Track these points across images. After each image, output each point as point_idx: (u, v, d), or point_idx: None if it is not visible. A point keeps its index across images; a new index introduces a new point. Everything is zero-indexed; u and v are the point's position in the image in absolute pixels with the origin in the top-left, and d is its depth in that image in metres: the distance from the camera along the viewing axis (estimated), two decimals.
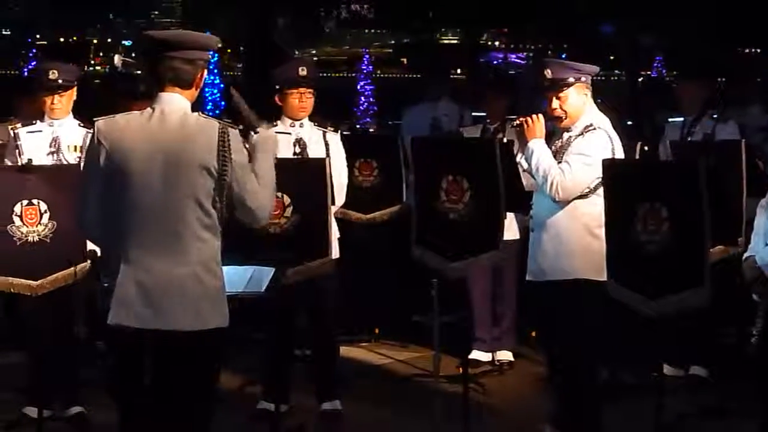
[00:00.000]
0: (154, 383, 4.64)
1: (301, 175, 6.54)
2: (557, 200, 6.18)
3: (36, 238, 6.27)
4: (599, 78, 6.51)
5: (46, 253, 6.26)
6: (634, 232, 5.56)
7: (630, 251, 5.62)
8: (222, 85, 33.41)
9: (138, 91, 8.68)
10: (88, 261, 6.26)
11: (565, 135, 6.32)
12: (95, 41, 51.05)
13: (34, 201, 6.26)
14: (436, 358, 7.54)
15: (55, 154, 6.94)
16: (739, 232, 6.56)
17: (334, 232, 6.94)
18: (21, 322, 7.27)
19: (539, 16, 28.43)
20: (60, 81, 6.95)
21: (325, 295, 7.02)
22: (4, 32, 46.62)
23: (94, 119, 4.77)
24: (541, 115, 6.34)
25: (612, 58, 32.75)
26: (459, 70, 28.43)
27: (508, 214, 6.48)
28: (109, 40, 50.58)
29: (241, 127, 4.86)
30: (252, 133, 4.93)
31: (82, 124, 6.93)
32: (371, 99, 35.08)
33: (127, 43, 47.32)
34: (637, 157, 7.89)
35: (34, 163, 6.58)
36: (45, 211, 6.27)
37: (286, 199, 6.50)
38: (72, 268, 6.24)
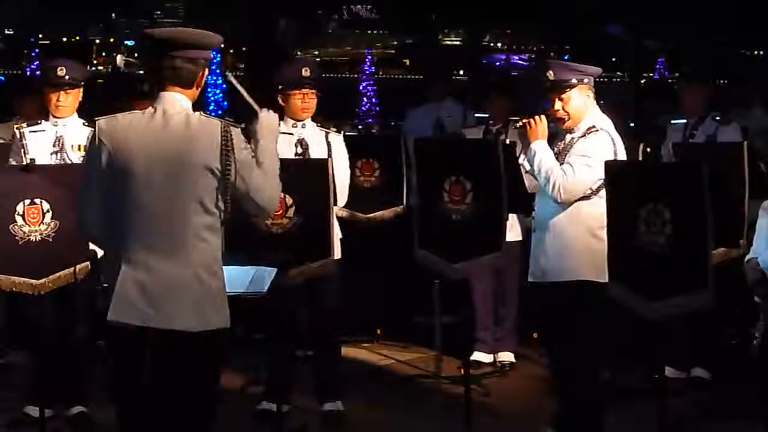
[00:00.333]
0: (155, 383, 4.63)
1: (304, 176, 6.54)
2: (559, 201, 6.18)
3: (38, 238, 6.26)
4: (602, 79, 6.51)
5: (49, 252, 6.26)
6: (636, 234, 5.56)
7: (632, 253, 5.62)
8: (224, 86, 33.44)
9: (140, 90, 8.69)
10: (88, 261, 6.27)
11: (568, 136, 6.32)
12: (97, 41, 51.06)
13: (37, 200, 6.26)
14: (438, 358, 7.59)
15: (58, 154, 6.95)
16: (741, 234, 6.56)
17: (336, 233, 6.94)
18: (23, 322, 7.28)
19: (541, 17, 28.45)
20: (67, 78, 6.94)
21: (326, 295, 7.01)
22: (6, 32, 46.64)
23: (95, 118, 4.76)
24: (543, 117, 6.34)
25: (614, 59, 32.78)
26: (461, 71, 28.47)
27: (511, 215, 6.48)
28: (111, 40, 50.59)
29: (243, 125, 4.85)
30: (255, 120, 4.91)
31: (86, 124, 6.93)
32: (373, 100, 35.11)
33: (129, 43, 47.33)
34: (640, 158, 7.90)
35: (38, 162, 6.58)
36: (47, 211, 6.27)
37: (289, 200, 6.50)
38: (75, 267, 6.25)
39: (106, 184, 4.63)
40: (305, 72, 7.10)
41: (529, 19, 29.89)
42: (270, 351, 7.17)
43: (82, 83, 7.04)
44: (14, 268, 6.26)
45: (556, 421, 6.46)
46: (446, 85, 10.41)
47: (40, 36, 44.44)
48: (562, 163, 6.19)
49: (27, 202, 6.25)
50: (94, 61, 47.18)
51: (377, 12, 43.92)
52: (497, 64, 43.61)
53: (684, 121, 8.43)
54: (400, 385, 8.07)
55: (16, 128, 7.10)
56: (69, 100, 6.98)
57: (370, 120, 28.77)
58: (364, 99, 35.34)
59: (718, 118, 8.30)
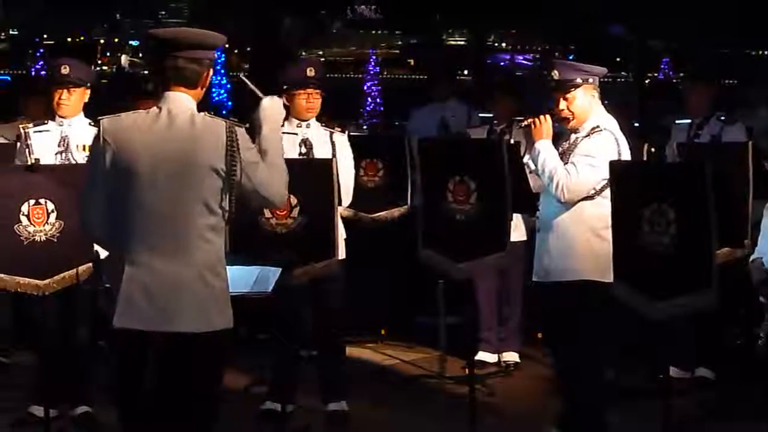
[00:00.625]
0: (158, 384, 4.64)
1: (308, 176, 6.54)
2: (563, 201, 6.18)
3: (43, 238, 6.27)
4: (606, 79, 6.51)
5: (53, 252, 6.26)
6: (640, 234, 5.56)
7: (637, 253, 5.62)
8: (229, 86, 33.43)
9: (145, 89, 8.69)
10: (91, 262, 6.27)
11: (572, 136, 6.32)
12: (102, 41, 51.08)
13: (41, 200, 6.26)
14: (442, 359, 7.59)
15: (63, 154, 6.94)
16: (745, 234, 6.57)
17: (341, 233, 6.94)
18: (27, 322, 7.28)
19: (546, 17, 28.43)
20: (71, 76, 6.94)
21: (331, 295, 7.02)
22: (11, 32, 46.67)
23: (99, 118, 4.76)
24: (548, 116, 6.34)
25: (619, 59, 32.74)
26: (466, 71, 28.46)
27: (515, 215, 6.49)
28: (116, 40, 50.59)
29: (248, 125, 4.85)
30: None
31: (92, 124, 6.92)
32: (378, 100, 35.10)
33: (134, 43, 47.33)
34: (644, 158, 7.89)
35: (43, 162, 6.59)
36: (52, 211, 6.27)
37: (293, 200, 6.50)
38: (77, 268, 6.25)
39: (110, 185, 4.62)
40: (310, 72, 7.11)
41: (533, 19, 29.86)
42: (274, 351, 7.17)
43: (88, 83, 7.03)
44: (19, 269, 6.26)
45: (561, 421, 6.46)
46: (450, 85, 10.42)
47: (45, 36, 44.44)
48: (566, 163, 6.19)
49: (32, 202, 6.25)
50: (99, 61, 47.20)
51: (381, 12, 43.88)
52: (502, 64, 43.60)
53: (688, 121, 8.43)
54: (405, 385, 8.07)
55: (21, 128, 7.10)
56: (72, 99, 6.97)
57: (374, 120, 28.77)
58: (369, 99, 35.32)
59: (722, 118, 8.30)
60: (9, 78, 28.94)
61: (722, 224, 5.28)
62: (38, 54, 36.84)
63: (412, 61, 47.34)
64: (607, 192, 6.03)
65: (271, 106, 4.92)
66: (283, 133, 6.97)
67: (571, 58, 23.42)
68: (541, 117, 6.34)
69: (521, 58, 45.47)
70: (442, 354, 8.10)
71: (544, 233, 6.36)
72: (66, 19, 45.86)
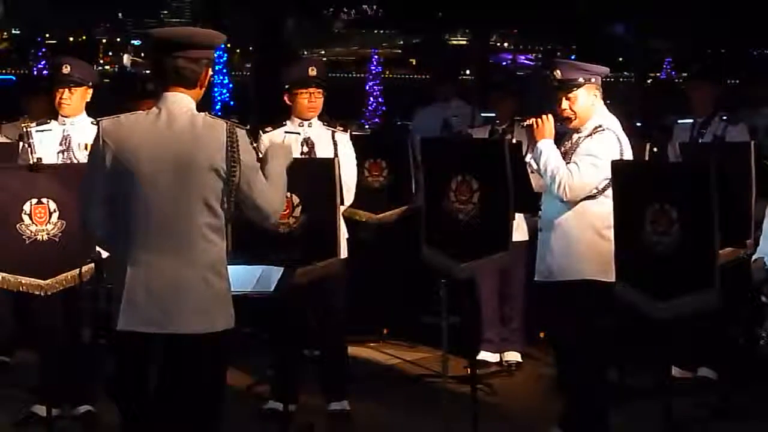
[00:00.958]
0: (162, 385, 4.64)
1: (310, 175, 6.54)
2: (565, 200, 6.18)
3: (45, 237, 6.26)
4: (608, 79, 6.51)
5: (56, 252, 6.26)
6: (643, 234, 5.55)
7: (639, 252, 5.61)
8: (231, 85, 33.44)
9: (145, 89, 8.69)
10: (93, 263, 6.27)
11: (575, 136, 6.32)
12: (104, 40, 51.14)
13: (44, 200, 6.26)
14: (445, 358, 7.54)
15: (65, 153, 6.95)
16: (747, 234, 6.56)
17: (343, 232, 6.95)
18: (30, 322, 7.28)
19: (547, 17, 28.43)
20: (72, 76, 6.94)
21: (333, 295, 7.02)
22: (14, 32, 46.72)
23: (99, 119, 4.77)
24: (551, 116, 6.34)
25: (621, 59, 32.75)
26: (468, 71, 28.46)
27: (517, 215, 6.48)
28: (118, 39, 50.67)
29: (248, 126, 4.86)
30: (261, 132, 4.93)
31: (95, 123, 6.92)
32: (380, 99, 35.13)
33: (136, 42, 47.40)
34: (646, 158, 7.89)
35: (45, 161, 6.59)
36: (54, 210, 6.27)
37: (295, 199, 6.51)
38: (79, 268, 6.25)
39: (110, 185, 4.63)
40: (312, 71, 7.11)
41: (535, 19, 29.87)
42: (276, 351, 7.18)
43: (90, 83, 7.04)
44: (21, 268, 6.26)
45: (563, 421, 6.46)
46: (453, 84, 10.41)
47: (47, 36, 44.53)
48: (568, 163, 6.19)
49: (34, 201, 6.25)
50: (101, 61, 47.25)
51: (384, 12, 43.93)
52: (504, 63, 43.66)
53: (691, 120, 8.43)
54: (407, 384, 8.07)
55: (23, 127, 7.12)
56: (74, 98, 6.98)
57: (377, 120, 28.79)
58: (371, 98, 35.36)
59: (725, 117, 8.29)
60: (14, 78, 28.94)
61: (725, 224, 5.28)
62: (40, 53, 36.85)
63: (414, 61, 47.42)
64: (610, 191, 6.03)
65: (280, 146, 5.00)
66: (285, 132, 7.03)
67: (573, 57, 23.42)
68: (544, 117, 6.34)
69: (523, 57, 45.54)
70: (445, 353, 8.08)
71: (546, 233, 6.36)
72: (68, 19, 45.93)
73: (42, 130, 7.00)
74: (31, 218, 6.25)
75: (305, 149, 7.10)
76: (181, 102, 4.67)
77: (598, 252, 6.14)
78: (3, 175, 6.36)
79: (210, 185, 4.59)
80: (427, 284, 8.56)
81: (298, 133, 7.10)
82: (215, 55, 4.96)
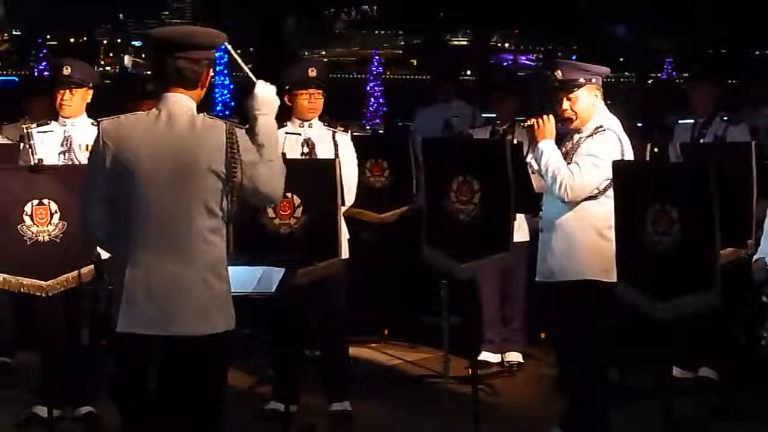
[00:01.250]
0: (163, 387, 4.64)
1: (312, 176, 6.55)
2: (566, 201, 6.19)
3: (46, 238, 6.26)
4: (609, 79, 6.51)
5: (57, 253, 6.26)
6: (644, 234, 5.55)
7: (640, 253, 5.62)
8: (232, 86, 33.43)
9: (146, 90, 8.69)
10: (93, 264, 6.27)
11: (576, 136, 6.32)
12: (105, 41, 51.12)
13: (45, 201, 6.26)
14: (446, 358, 7.55)
15: (66, 154, 6.95)
16: (748, 234, 6.56)
17: (344, 233, 6.95)
18: (31, 323, 7.28)
19: (548, 17, 28.44)
20: (73, 77, 6.95)
21: (334, 295, 7.02)
22: (14, 33, 46.72)
23: (99, 120, 4.77)
24: (551, 116, 6.34)
25: (622, 59, 32.75)
26: (469, 72, 28.47)
27: (519, 215, 6.48)
28: (118, 40, 50.65)
29: (247, 126, 4.85)
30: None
31: (95, 124, 6.92)
32: (381, 100, 35.11)
33: (137, 43, 47.40)
34: (647, 158, 7.89)
35: (46, 162, 6.59)
36: (55, 211, 6.27)
37: (296, 200, 6.51)
38: (79, 269, 6.25)
39: (110, 186, 4.62)
40: (312, 72, 7.11)
41: (536, 19, 29.87)
42: (278, 351, 7.18)
43: (90, 84, 7.04)
44: (22, 269, 6.26)
45: (564, 421, 6.46)
46: (454, 85, 10.42)
47: (48, 37, 44.52)
48: (569, 163, 6.19)
49: (35, 202, 6.25)
50: (102, 62, 47.24)
51: (385, 12, 43.90)
52: (505, 64, 43.64)
53: (691, 121, 8.42)
54: (408, 385, 8.07)
55: (24, 128, 7.12)
56: (75, 99, 6.98)
57: (378, 120, 28.78)
58: (372, 99, 35.35)
59: (726, 118, 8.29)
60: (17, 79, 28.96)
61: (725, 224, 5.28)
62: (41, 54, 36.85)
63: (415, 62, 47.38)
64: (611, 192, 6.03)
65: (264, 93, 4.91)
66: (286, 133, 7.02)
67: (574, 58, 23.42)
68: (544, 117, 6.34)
69: (524, 58, 45.52)
70: (446, 354, 8.08)
71: (547, 233, 6.36)
72: (69, 20, 45.91)
73: (43, 131, 7.00)
74: (32, 219, 6.25)
75: (306, 150, 7.10)
76: (182, 103, 4.67)
77: (599, 252, 6.14)
78: (4, 176, 6.36)
79: (209, 187, 4.59)
80: (428, 285, 8.58)
81: (299, 134, 7.10)
82: (216, 56, 4.95)
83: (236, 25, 28.40)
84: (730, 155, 7.14)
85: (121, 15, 50.55)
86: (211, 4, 30.69)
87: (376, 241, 8.83)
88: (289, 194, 6.03)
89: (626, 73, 33.25)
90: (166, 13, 50.15)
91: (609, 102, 6.42)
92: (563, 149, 6.32)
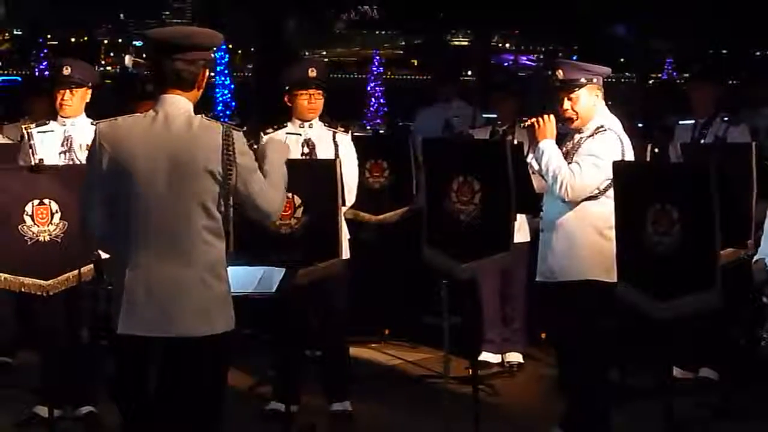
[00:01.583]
0: (163, 388, 4.64)
1: (312, 176, 6.55)
2: (566, 201, 6.19)
3: (47, 238, 6.27)
4: (610, 80, 6.52)
5: (57, 252, 6.26)
6: (644, 234, 5.56)
7: (640, 253, 5.62)
8: (232, 86, 33.45)
9: (145, 90, 8.69)
10: (93, 263, 6.28)
11: (576, 136, 6.33)
12: (105, 41, 51.15)
13: (46, 201, 6.26)
14: (446, 359, 7.55)
15: (67, 153, 6.96)
16: (748, 235, 6.56)
17: (345, 233, 6.95)
18: (31, 323, 7.29)
19: (549, 17, 28.44)
20: (73, 77, 6.95)
21: (334, 295, 7.02)
22: (15, 32, 46.73)
23: (96, 121, 4.77)
24: (552, 116, 6.34)
25: (622, 60, 32.75)
26: (470, 72, 28.48)
27: (520, 215, 6.48)
28: (119, 40, 50.69)
29: (245, 128, 4.86)
30: (262, 133, 4.93)
31: (94, 123, 6.92)
32: (381, 100, 35.15)
33: (137, 43, 47.42)
34: (648, 159, 7.90)
35: (46, 162, 6.59)
36: (56, 211, 6.27)
37: (297, 200, 6.51)
38: (79, 269, 6.25)
39: (108, 188, 4.63)
40: (311, 72, 7.11)
41: (537, 19, 29.87)
42: (278, 351, 7.18)
43: (90, 84, 7.05)
44: (23, 269, 6.27)
45: (564, 421, 6.46)
46: (455, 85, 10.42)
47: (49, 36, 44.54)
48: (570, 163, 6.19)
49: (36, 202, 6.25)
50: (102, 62, 47.26)
51: (385, 12, 43.90)
52: (505, 64, 43.67)
53: (692, 121, 8.43)
54: (408, 385, 8.07)
55: (24, 128, 7.12)
56: (75, 99, 6.99)
57: (378, 120, 28.80)
58: (372, 99, 35.38)
59: (726, 118, 8.30)
60: (20, 78, 28.98)
61: (725, 225, 5.28)
62: (42, 54, 36.87)
63: (415, 62, 47.41)
64: (611, 192, 6.03)
65: (277, 141, 5.00)
66: (286, 133, 7.03)
67: (574, 58, 23.42)
68: (545, 117, 6.34)
69: (525, 58, 45.53)
70: (446, 354, 8.08)
71: (548, 233, 6.37)
72: (69, 19, 45.93)
73: (43, 131, 7.01)
74: (33, 219, 6.25)
75: (306, 150, 7.10)
76: (179, 104, 4.67)
77: (599, 252, 6.14)
78: (5, 176, 6.37)
79: (206, 187, 4.58)
80: (429, 285, 8.57)
81: (299, 134, 7.10)
82: (216, 57, 4.96)
83: (236, 26, 28.43)
84: (730, 156, 7.15)
85: (121, 15, 50.58)
86: (210, 5, 30.66)
87: (377, 241, 8.83)
88: (289, 194, 6.02)
89: (627, 74, 33.28)
90: (167, 12, 50.17)
91: (609, 102, 6.42)
92: (564, 149, 6.32)
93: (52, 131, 7.01)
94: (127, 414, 4.78)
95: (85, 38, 49.44)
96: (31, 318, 7.19)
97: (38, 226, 6.26)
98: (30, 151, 6.93)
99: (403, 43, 49.80)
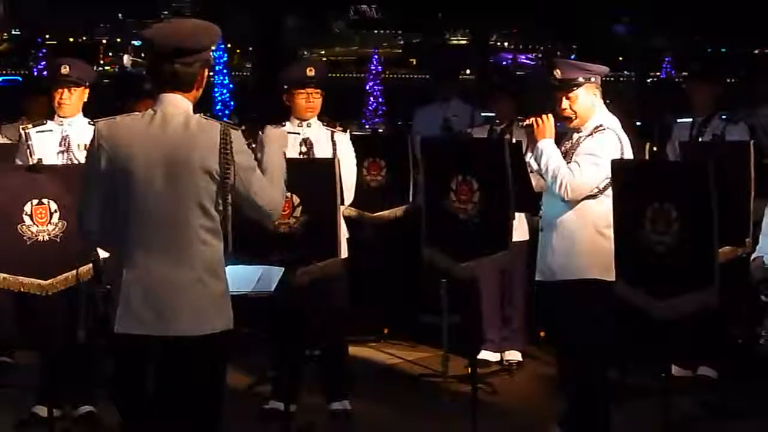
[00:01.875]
0: (162, 387, 4.64)
1: (311, 175, 6.55)
2: (566, 200, 6.19)
3: (46, 238, 6.27)
4: (608, 78, 6.52)
5: (56, 252, 6.26)
6: (643, 233, 5.56)
7: (639, 251, 5.63)
8: (231, 85, 33.45)
9: (144, 90, 8.69)
10: (91, 263, 6.27)
11: (575, 135, 6.33)
12: (104, 41, 51.12)
13: (44, 200, 6.26)
14: (445, 358, 7.59)
15: (65, 153, 6.96)
16: (746, 233, 6.57)
17: (343, 232, 6.95)
18: (30, 322, 7.29)
19: (547, 16, 28.46)
20: (71, 76, 6.95)
21: (334, 294, 7.03)
22: (14, 32, 46.70)
23: (95, 120, 4.77)
24: (551, 115, 6.34)
25: (621, 58, 32.75)
26: (468, 71, 28.48)
27: (518, 214, 6.49)
28: (118, 40, 50.65)
29: (243, 127, 4.85)
30: (261, 132, 4.92)
31: (92, 123, 6.93)
32: (380, 99, 35.15)
33: (136, 43, 47.40)
34: (646, 157, 7.90)
35: (45, 162, 6.59)
36: (55, 211, 6.27)
37: (295, 199, 6.51)
38: (77, 269, 6.25)
39: (106, 187, 4.62)
40: (310, 72, 7.12)
41: (535, 18, 29.89)
42: (277, 350, 7.18)
43: (87, 83, 7.04)
44: (22, 269, 6.27)
45: (563, 420, 6.47)
46: (453, 84, 10.43)
47: (47, 36, 44.53)
48: (569, 162, 6.20)
49: (35, 202, 6.25)
50: (101, 61, 47.24)
51: (384, 12, 43.94)
52: (504, 63, 43.67)
53: (690, 120, 8.43)
54: (408, 384, 8.08)
55: (22, 128, 7.12)
56: (72, 98, 6.98)
57: (377, 120, 28.81)
58: (371, 98, 35.38)
59: (725, 116, 8.30)
60: (21, 78, 28.97)
61: (724, 223, 5.29)
62: (41, 54, 36.84)
63: (414, 61, 47.41)
64: (610, 191, 6.03)
65: (276, 133, 4.98)
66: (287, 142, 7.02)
67: (573, 57, 23.42)
68: (544, 116, 6.34)
69: (523, 57, 45.53)
70: (445, 353, 8.10)
71: (547, 232, 6.37)
72: (68, 19, 45.91)
73: (41, 131, 7.00)
74: (32, 219, 6.25)
75: (304, 149, 7.10)
76: (177, 103, 4.66)
77: (598, 251, 6.14)
78: (4, 176, 6.37)
79: (204, 187, 4.58)
80: (428, 284, 8.58)
81: (298, 134, 7.11)
82: (215, 56, 4.95)
83: (235, 25, 28.43)
84: (728, 154, 7.14)
85: (120, 15, 50.55)
86: (210, 4, 30.67)
87: (376, 240, 8.84)
88: (288, 193, 6.01)
89: (625, 72, 33.27)
90: (166, 12, 50.11)
91: (608, 101, 6.42)
92: (563, 148, 6.32)
93: (50, 131, 7.01)
94: (126, 414, 4.78)
95: (84, 38, 49.42)
96: (30, 318, 7.19)
97: (37, 225, 6.26)
98: (27, 151, 6.93)
99: (402, 42, 49.77)
